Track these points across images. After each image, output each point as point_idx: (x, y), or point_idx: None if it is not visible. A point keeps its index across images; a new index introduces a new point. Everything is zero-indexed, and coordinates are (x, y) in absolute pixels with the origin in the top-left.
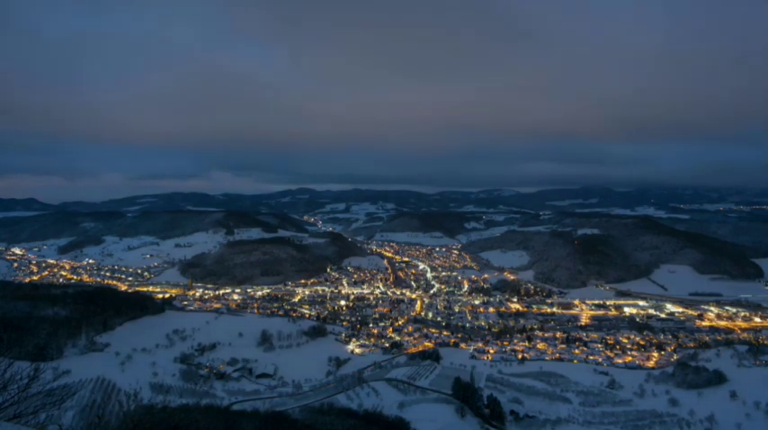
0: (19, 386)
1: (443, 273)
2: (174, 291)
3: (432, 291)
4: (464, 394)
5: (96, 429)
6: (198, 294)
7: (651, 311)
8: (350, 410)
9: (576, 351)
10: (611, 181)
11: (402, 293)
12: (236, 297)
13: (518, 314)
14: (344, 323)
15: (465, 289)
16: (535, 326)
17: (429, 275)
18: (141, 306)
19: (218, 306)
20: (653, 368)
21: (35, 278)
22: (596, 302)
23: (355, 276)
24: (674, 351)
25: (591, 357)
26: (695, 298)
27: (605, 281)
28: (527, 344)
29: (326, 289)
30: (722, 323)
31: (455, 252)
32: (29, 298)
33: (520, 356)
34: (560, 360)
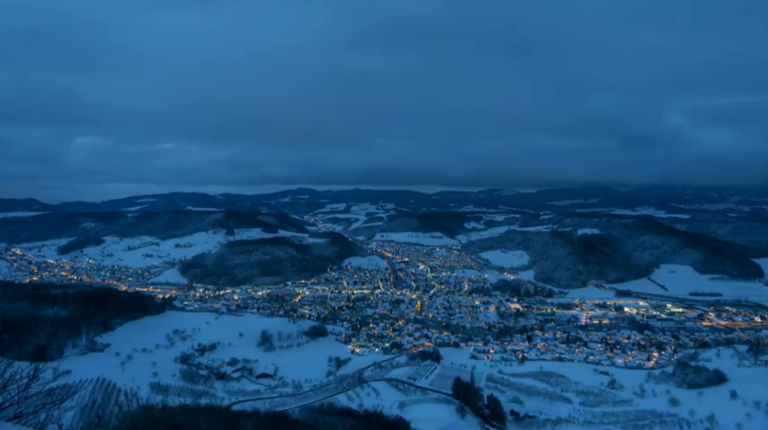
0: (19, 386)
1: (443, 274)
2: (174, 292)
3: (432, 292)
4: (464, 394)
5: (96, 429)
6: (198, 294)
7: (651, 311)
8: (350, 410)
9: (577, 351)
10: (611, 181)
11: (402, 293)
12: (236, 297)
13: (518, 314)
14: (345, 323)
15: (465, 289)
16: (535, 327)
17: (429, 275)
18: (141, 306)
19: (218, 306)
20: (653, 368)
21: (35, 278)
22: (596, 302)
23: (355, 276)
24: (675, 351)
25: (591, 357)
26: (695, 298)
27: (605, 281)
28: (527, 344)
29: (327, 289)
30: (722, 323)
31: (455, 252)
32: (29, 298)
33: (520, 356)
34: (560, 360)
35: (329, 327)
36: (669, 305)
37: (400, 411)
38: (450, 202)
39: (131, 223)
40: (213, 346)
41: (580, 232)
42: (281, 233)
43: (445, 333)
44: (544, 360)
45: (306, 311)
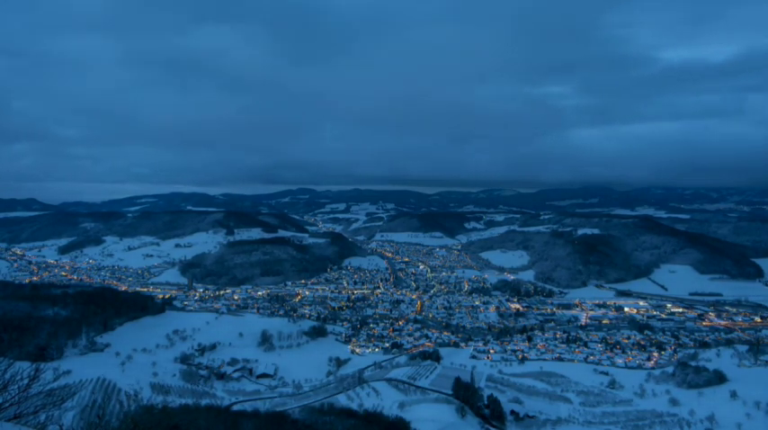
0: (19, 386)
1: (443, 274)
2: (174, 292)
3: (432, 292)
4: (464, 394)
5: (97, 429)
6: (198, 294)
7: (651, 311)
8: (350, 410)
9: (577, 351)
10: (611, 181)
11: (402, 293)
12: (236, 297)
13: (518, 314)
14: (345, 323)
15: (465, 289)
16: (535, 327)
17: (429, 275)
18: (141, 306)
19: (218, 306)
20: (653, 368)
21: (35, 278)
22: (596, 302)
23: (355, 276)
24: (675, 351)
25: (591, 357)
26: (695, 298)
27: (605, 281)
28: (527, 344)
29: (327, 289)
30: (722, 323)
31: (455, 252)
32: (29, 298)
33: (520, 356)
34: (560, 360)
35: (329, 327)
36: (669, 305)
37: (400, 411)
38: (450, 202)
39: (131, 223)
40: (213, 346)
41: (580, 232)
42: (281, 233)
43: (445, 333)
44: (544, 360)
45: (306, 311)
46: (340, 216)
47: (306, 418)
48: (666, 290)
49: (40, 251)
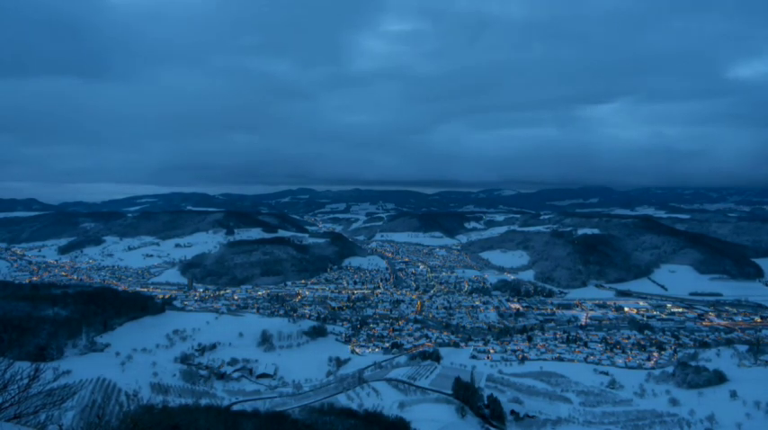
0: (19, 386)
1: (443, 274)
2: (174, 292)
3: (432, 292)
4: (464, 394)
5: (96, 429)
6: (198, 294)
7: (651, 311)
8: (350, 410)
9: (577, 351)
10: (611, 181)
11: (402, 293)
12: (236, 297)
13: (518, 314)
14: (345, 323)
15: (465, 289)
16: (535, 326)
17: (429, 275)
18: (141, 306)
19: (218, 306)
20: (653, 368)
21: (35, 278)
22: (596, 302)
23: (355, 276)
24: (675, 351)
25: (591, 357)
26: (695, 298)
27: (605, 281)
28: (527, 344)
29: (327, 289)
30: (722, 323)
31: (455, 252)
32: (29, 298)
33: (520, 356)
34: (560, 360)
35: (329, 327)
36: (669, 305)
37: (400, 411)
38: (450, 202)
39: (131, 223)
40: (213, 346)
41: (580, 232)
42: (281, 233)
43: (445, 333)
44: (544, 360)
45: (306, 311)
46: (340, 216)
47: (306, 418)
48: (666, 290)
49: (40, 251)
